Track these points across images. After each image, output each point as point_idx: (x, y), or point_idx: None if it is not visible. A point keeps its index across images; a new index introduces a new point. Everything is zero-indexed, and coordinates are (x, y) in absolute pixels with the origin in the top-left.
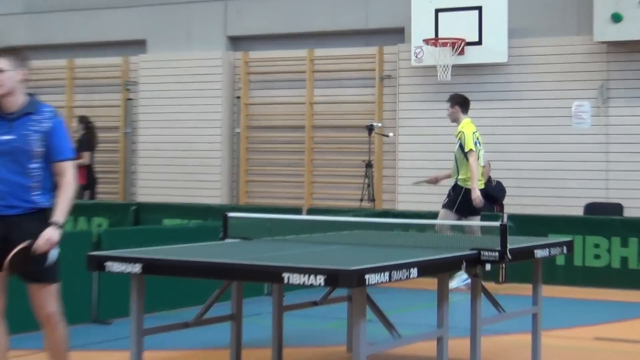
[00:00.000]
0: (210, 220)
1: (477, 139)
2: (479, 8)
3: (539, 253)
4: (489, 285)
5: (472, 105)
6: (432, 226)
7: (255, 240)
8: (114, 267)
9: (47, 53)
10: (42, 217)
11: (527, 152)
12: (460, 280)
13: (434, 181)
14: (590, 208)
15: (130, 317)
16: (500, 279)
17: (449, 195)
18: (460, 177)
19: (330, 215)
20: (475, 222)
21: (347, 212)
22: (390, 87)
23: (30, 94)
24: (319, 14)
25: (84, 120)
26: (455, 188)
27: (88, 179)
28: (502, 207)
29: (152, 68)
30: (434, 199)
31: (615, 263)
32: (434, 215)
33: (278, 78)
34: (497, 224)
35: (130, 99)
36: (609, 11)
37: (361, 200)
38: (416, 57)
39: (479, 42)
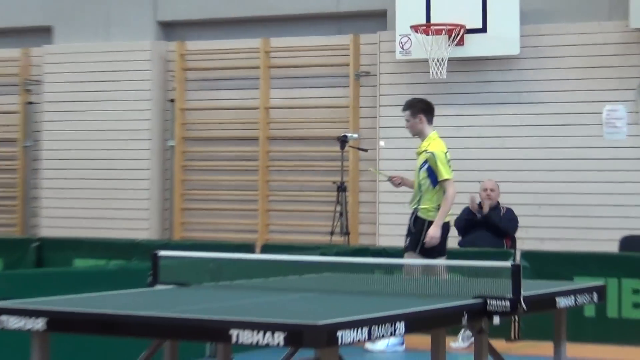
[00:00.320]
0: (135, 261)
1: (448, 161)
2: None
3: (562, 302)
4: (499, 344)
5: (474, 109)
6: (423, 267)
7: (194, 286)
8: (10, 322)
9: None
10: None
11: (545, 171)
12: (466, 337)
13: (398, 182)
14: (628, 242)
15: None
16: (513, 336)
17: (409, 233)
18: (422, 206)
19: (292, 254)
20: (480, 262)
21: (313, 249)
22: (368, 87)
23: None
24: None
25: None
26: (416, 222)
27: None
28: (513, 241)
29: (59, 63)
30: None
31: None
32: None
33: (223, 75)
34: (507, 264)
35: (31, 103)
36: None
37: (331, 233)
38: (402, 48)
39: (483, 30)
